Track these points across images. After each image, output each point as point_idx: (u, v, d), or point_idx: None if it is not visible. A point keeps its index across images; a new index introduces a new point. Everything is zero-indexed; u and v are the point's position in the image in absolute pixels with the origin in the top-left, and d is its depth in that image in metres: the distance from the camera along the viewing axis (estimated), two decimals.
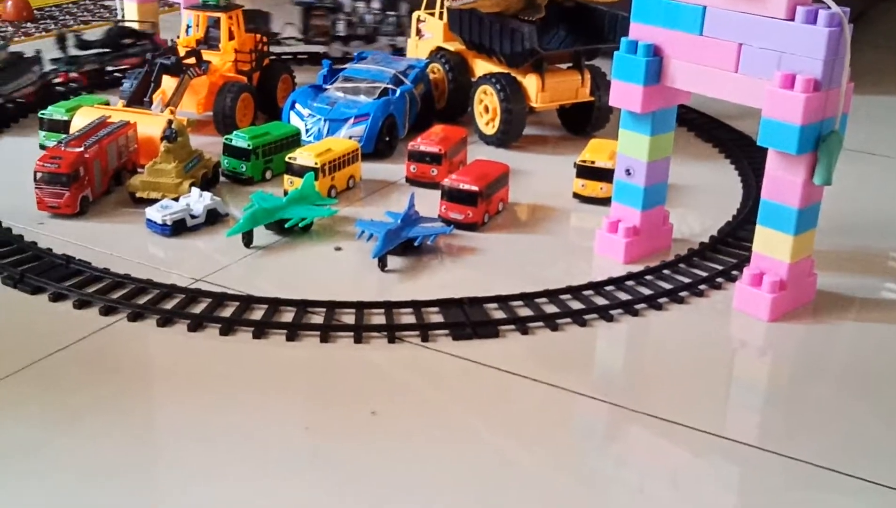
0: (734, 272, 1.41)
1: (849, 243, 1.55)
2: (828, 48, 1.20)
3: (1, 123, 1.93)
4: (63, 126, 1.75)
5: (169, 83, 1.83)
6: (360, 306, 1.28)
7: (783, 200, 1.28)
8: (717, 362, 1.24)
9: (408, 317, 1.28)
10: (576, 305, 1.32)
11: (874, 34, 3.08)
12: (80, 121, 1.71)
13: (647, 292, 1.36)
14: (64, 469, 0.98)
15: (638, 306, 1.33)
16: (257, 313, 1.27)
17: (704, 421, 1.09)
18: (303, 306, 1.28)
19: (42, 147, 1.76)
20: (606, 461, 1.04)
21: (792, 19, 1.23)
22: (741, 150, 1.91)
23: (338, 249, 1.48)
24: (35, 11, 2.82)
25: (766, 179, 1.29)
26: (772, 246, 1.30)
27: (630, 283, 1.38)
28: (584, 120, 2.00)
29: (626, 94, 1.39)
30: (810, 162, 1.25)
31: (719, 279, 1.41)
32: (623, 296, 1.35)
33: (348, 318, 1.27)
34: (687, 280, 1.40)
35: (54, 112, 1.79)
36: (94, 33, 2.23)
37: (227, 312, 1.27)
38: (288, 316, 1.26)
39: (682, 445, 1.06)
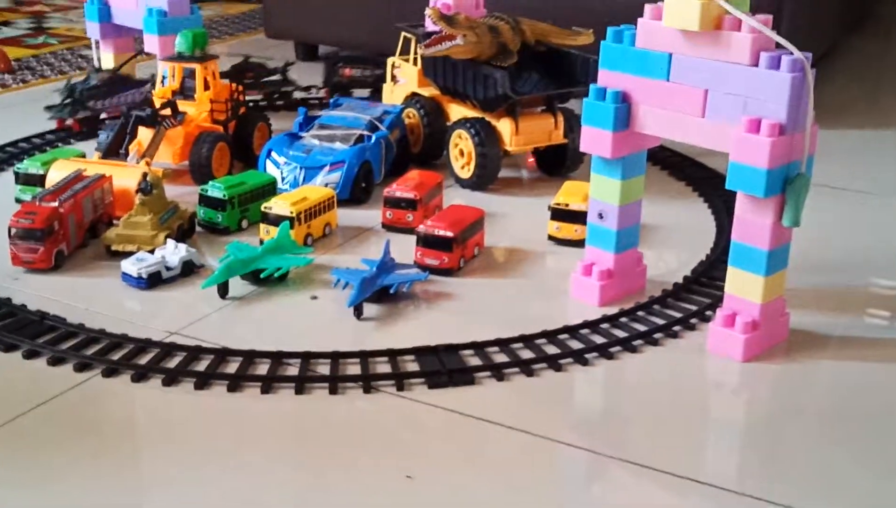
0: (708, 313, 1.42)
1: (821, 281, 1.57)
2: (791, 93, 1.22)
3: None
4: (39, 180, 1.75)
5: (145, 134, 1.84)
6: (336, 356, 1.29)
7: (753, 241, 1.29)
8: (693, 404, 1.24)
9: (383, 366, 1.28)
10: (551, 349, 1.33)
11: (843, 69, 3.13)
12: (55, 175, 1.71)
13: (621, 334, 1.37)
14: None
15: (613, 349, 1.34)
16: (233, 366, 1.27)
17: (682, 465, 1.09)
18: (278, 357, 1.28)
19: (18, 201, 1.76)
20: None
21: (756, 65, 1.26)
22: (713, 187, 1.93)
23: (314, 298, 1.48)
24: (13, 62, 2.83)
25: (736, 222, 1.31)
26: (743, 287, 1.32)
27: (605, 326, 1.39)
28: (559, 162, 2.02)
29: (596, 139, 1.41)
30: (778, 204, 1.27)
31: (693, 320, 1.42)
32: (598, 339, 1.36)
33: (324, 368, 1.27)
34: (661, 322, 1.41)
35: (30, 165, 1.79)
36: (92, 79, 2.24)
37: (203, 365, 1.26)
38: (263, 368, 1.26)
39: (662, 490, 1.06)
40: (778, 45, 1.27)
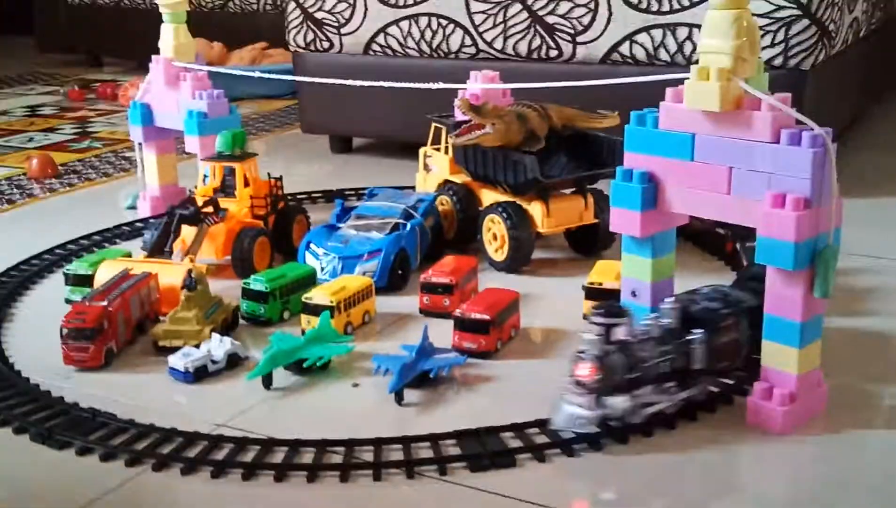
0: (745, 387, 1.43)
1: (860, 350, 1.57)
2: (814, 168, 1.25)
3: (28, 279, 2.00)
4: (87, 280, 1.82)
5: (188, 232, 1.91)
6: (378, 443, 1.31)
7: (786, 314, 1.31)
8: (735, 479, 1.24)
9: (426, 451, 1.30)
10: (590, 429, 1.34)
11: (870, 137, 3.16)
12: (103, 274, 1.77)
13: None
14: None
15: (651, 427, 1.34)
16: (278, 456, 1.29)
17: None
18: (322, 446, 1.30)
19: (68, 302, 1.82)
20: None
21: (777, 142, 1.29)
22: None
23: (355, 385, 1.51)
24: (59, 167, 2.94)
25: (768, 295, 1.33)
26: (779, 359, 1.32)
27: None
28: (591, 241, 2.06)
29: (625, 219, 1.44)
30: (808, 276, 1.29)
31: (731, 395, 1.42)
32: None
33: (367, 455, 1.29)
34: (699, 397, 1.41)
35: (79, 267, 1.86)
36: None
37: (249, 456, 1.29)
38: (308, 457, 1.29)
39: None
40: (798, 122, 1.30)
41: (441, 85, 1.88)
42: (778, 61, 2.35)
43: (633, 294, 1.49)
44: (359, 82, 2.04)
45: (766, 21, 2.32)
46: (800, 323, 1.29)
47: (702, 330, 1.35)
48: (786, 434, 1.31)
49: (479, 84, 2.17)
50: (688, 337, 1.34)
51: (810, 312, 1.30)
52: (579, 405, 1.31)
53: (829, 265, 1.27)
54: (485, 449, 1.29)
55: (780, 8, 2.32)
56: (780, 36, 2.33)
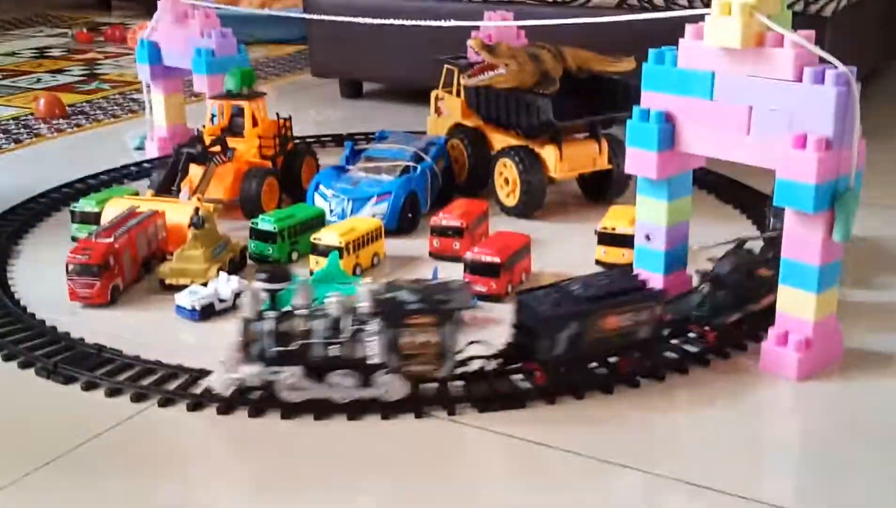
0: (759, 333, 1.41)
1: (874, 297, 1.54)
2: (837, 107, 1.22)
3: (34, 217, 1.98)
4: (94, 218, 1.80)
5: (195, 171, 1.88)
6: None
7: (803, 258, 1.28)
8: (749, 424, 1.22)
9: (434, 392, 1.28)
10: (601, 372, 1.32)
11: (892, 90, 3.10)
12: (110, 212, 1.75)
13: (672, 356, 1.36)
14: None
15: (664, 372, 1.33)
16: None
17: (740, 486, 1.08)
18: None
19: (74, 239, 1.80)
20: None
21: (800, 80, 1.25)
22: (761, 208, 1.91)
23: None
24: (67, 108, 2.91)
25: (786, 239, 1.30)
26: (795, 305, 1.30)
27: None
28: (604, 187, 2.02)
29: (641, 161, 1.41)
30: (828, 219, 1.25)
31: (744, 341, 1.40)
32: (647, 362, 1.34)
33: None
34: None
35: (85, 204, 1.84)
36: None
37: (257, 394, 1.28)
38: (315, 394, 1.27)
39: None
40: (822, 61, 1.26)
41: (453, 23, 1.83)
42: (798, 7, 2.30)
43: (647, 238, 1.46)
44: (369, 20, 1.99)
45: None
46: (818, 267, 1.27)
47: (380, 321, 1.21)
48: (801, 381, 1.29)
49: (492, 23, 2.12)
50: (358, 326, 1.21)
51: (829, 256, 1.27)
52: (224, 366, 1.23)
53: (849, 209, 1.24)
54: (494, 391, 1.27)
55: None
56: None
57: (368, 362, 1.22)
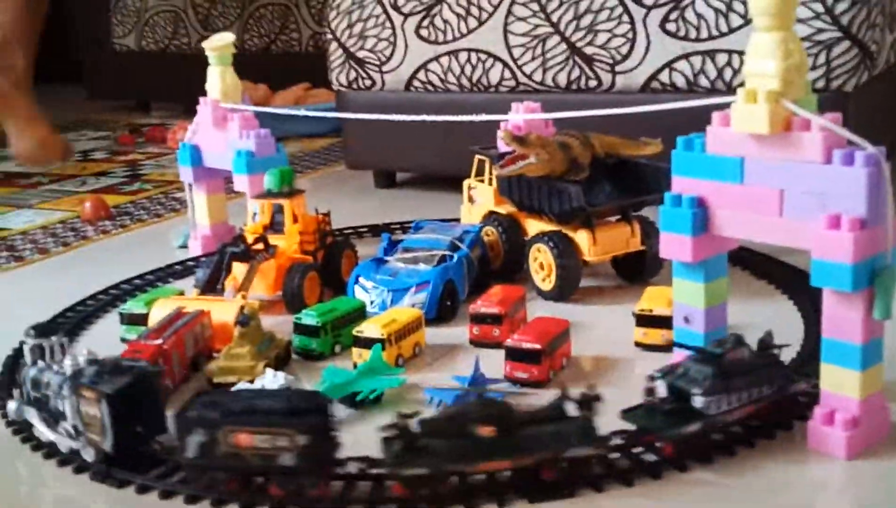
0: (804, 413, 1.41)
1: None
2: (869, 188, 1.24)
3: (83, 320, 2.03)
4: (142, 319, 1.85)
5: (239, 269, 1.93)
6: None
7: (845, 336, 1.29)
8: (801, 505, 1.22)
9: (482, 482, 1.29)
10: (648, 457, 1.33)
11: None
12: (157, 313, 1.80)
13: (717, 437, 1.36)
14: None
15: (710, 453, 1.33)
16: (335, 489, 1.29)
17: None
18: (378, 479, 1.30)
19: (123, 341, 1.85)
20: None
21: (829, 162, 1.28)
22: (796, 285, 1.92)
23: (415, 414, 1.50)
24: (112, 209, 3.00)
25: (825, 318, 1.31)
26: (840, 383, 1.30)
27: None
28: (638, 268, 2.05)
29: (676, 245, 1.43)
30: (868, 297, 1.27)
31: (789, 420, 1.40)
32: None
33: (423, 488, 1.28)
34: (756, 423, 1.39)
35: (133, 306, 1.89)
36: None
37: (306, 490, 1.29)
38: (366, 489, 1.29)
39: None
40: (850, 142, 1.29)
41: (483, 117, 1.89)
42: (820, 84, 2.33)
43: (686, 320, 1.47)
44: (401, 117, 2.06)
45: (808, 44, 2.31)
46: (861, 345, 1.27)
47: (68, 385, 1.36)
48: (850, 460, 1.29)
49: (521, 115, 2.18)
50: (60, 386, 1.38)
51: (871, 333, 1.28)
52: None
53: (889, 286, 1.25)
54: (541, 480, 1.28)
55: (820, 31, 2.31)
56: (822, 59, 2.32)
57: (65, 420, 1.38)
